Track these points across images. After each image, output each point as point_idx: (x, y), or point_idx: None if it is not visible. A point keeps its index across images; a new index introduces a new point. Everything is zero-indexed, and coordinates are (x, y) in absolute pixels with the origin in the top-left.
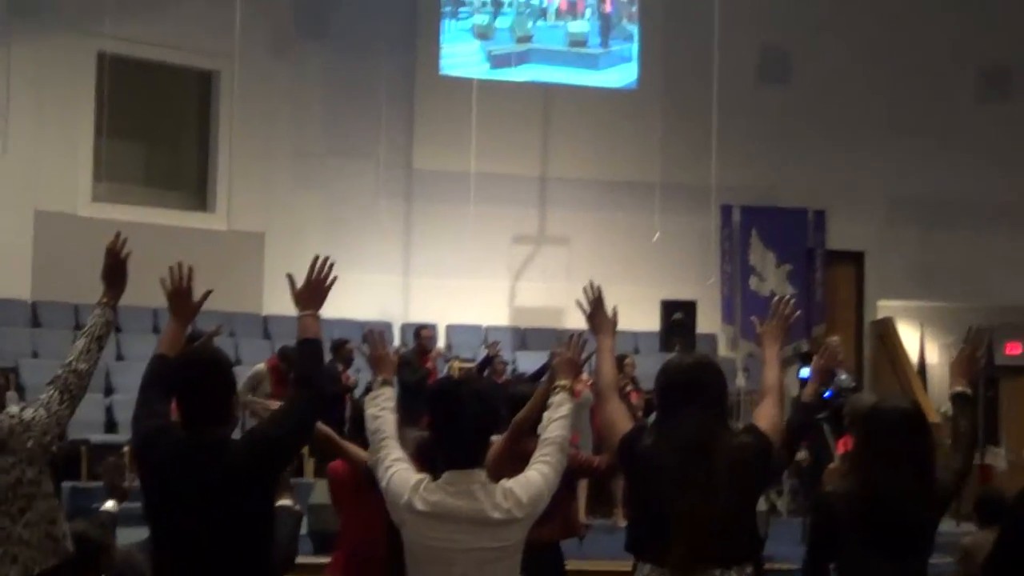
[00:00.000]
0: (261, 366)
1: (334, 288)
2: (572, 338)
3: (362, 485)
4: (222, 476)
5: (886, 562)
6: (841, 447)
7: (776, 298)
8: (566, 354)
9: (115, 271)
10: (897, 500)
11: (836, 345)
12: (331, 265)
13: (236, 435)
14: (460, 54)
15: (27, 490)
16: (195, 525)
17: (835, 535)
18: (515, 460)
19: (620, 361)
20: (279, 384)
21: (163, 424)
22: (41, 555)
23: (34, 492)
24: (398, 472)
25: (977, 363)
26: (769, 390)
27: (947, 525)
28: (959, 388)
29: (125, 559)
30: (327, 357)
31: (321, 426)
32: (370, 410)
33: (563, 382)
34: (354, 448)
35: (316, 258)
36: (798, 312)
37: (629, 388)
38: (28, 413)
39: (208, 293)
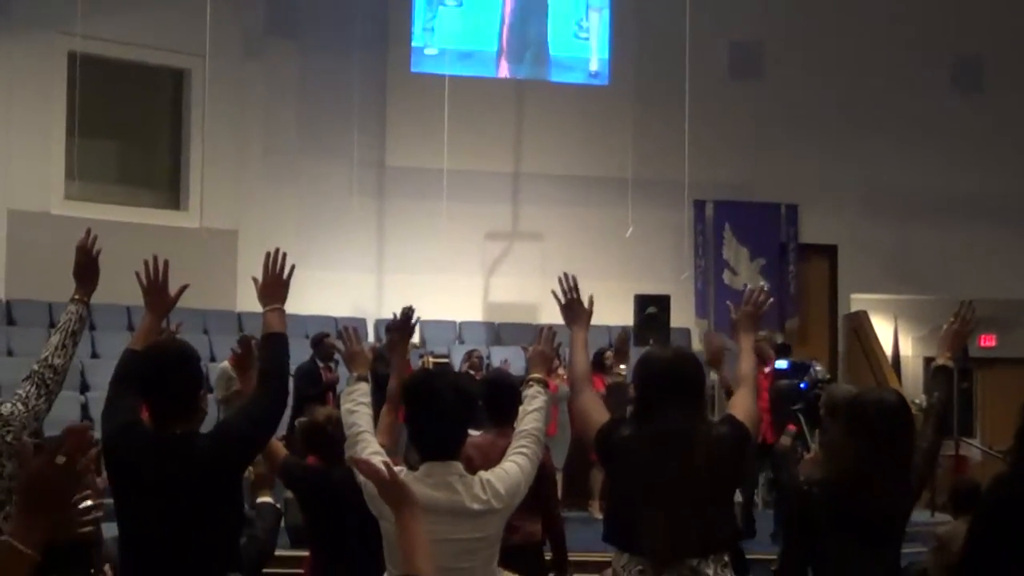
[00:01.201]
0: (225, 364)
1: (308, 285)
2: (543, 331)
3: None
4: (189, 471)
5: (860, 551)
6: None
7: (750, 288)
8: (538, 347)
9: (86, 268)
10: (874, 490)
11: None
12: (284, 256)
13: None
14: (432, 51)
15: (7, 484)
16: (163, 520)
17: (810, 524)
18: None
19: (600, 356)
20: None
21: (131, 420)
22: None
23: (14, 487)
24: None
25: (965, 338)
26: (744, 379)
27: (922, 516)
28: (941, 361)
29: None
30: (308, 353)
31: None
32: (346, 405)
33: (536, 375)
34: (275, 445)
35: (268, 254)
36: (771, 300)
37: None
38: (6, 408)
39: (184, 287)
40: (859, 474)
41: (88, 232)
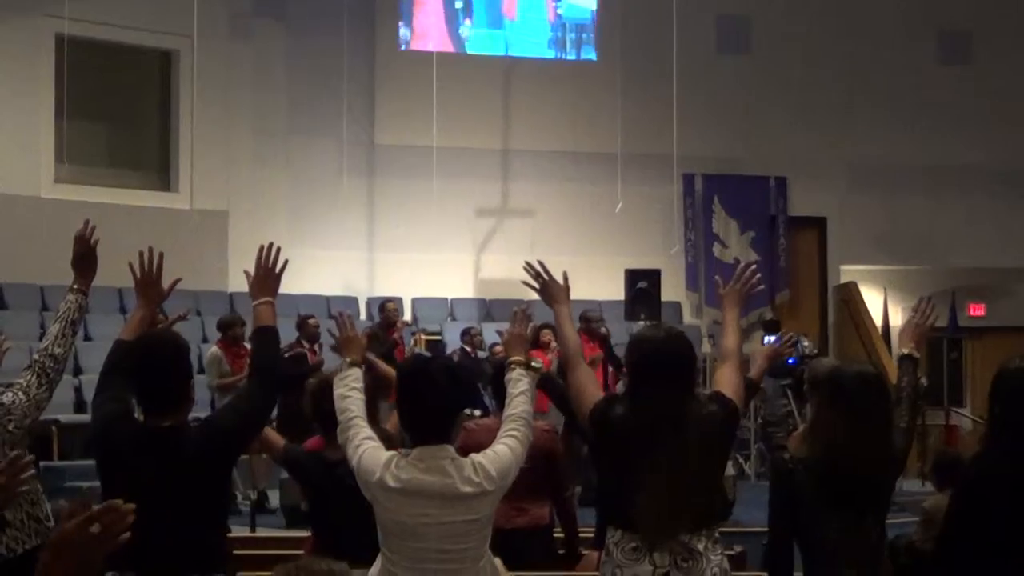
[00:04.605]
0: (214, 349)
1: (300, 265)
2: (516, 313)
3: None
4: (178, 464)
5: (845, 523)
6: None
7: (742, 265)
8: (512, 330)
9: (85, 258)
10: (857, 462)
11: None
12: (278, 250)
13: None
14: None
15: None
16: (150, 511)
17: (795, 499)
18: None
19: (590, 323)
20: (236, 359)
21: (121, 410)
22: (24, 536)
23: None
24: (368, 450)
25: (925, 331)
26: (729, 355)
27: (914, 485)
28: (906, 351)
29: None
30: (294, 334)
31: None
32: (338, 390)
33: (516, 358)
34: (271, 435)
35: (262, 247)
36: (761, 287)
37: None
38: (7, 397)
39: (177, 281)
40: (841, 447)
41: (87, 223)
